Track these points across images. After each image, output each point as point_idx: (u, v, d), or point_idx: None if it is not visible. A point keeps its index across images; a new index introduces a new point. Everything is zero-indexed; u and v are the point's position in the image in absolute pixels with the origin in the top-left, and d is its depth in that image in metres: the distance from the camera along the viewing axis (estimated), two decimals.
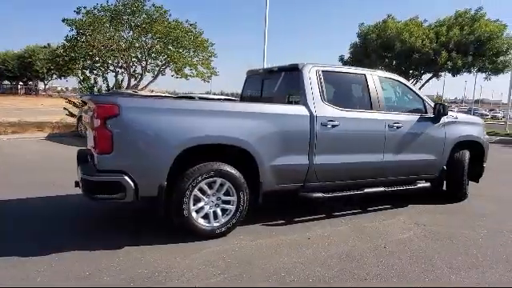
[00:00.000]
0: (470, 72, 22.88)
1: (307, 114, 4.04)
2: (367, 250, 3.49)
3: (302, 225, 4.19)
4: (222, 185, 3.65)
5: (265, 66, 21.24)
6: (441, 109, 4.94)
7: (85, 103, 4.05)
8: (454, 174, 5.26)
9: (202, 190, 3.57)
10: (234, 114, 3.69)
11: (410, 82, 26.31)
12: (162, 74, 17.88)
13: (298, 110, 4.04)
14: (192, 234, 3.56)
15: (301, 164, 4.03)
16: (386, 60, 23.42)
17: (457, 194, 5.37)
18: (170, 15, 16.41)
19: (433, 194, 5.43)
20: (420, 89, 24.80)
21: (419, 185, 5.02)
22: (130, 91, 12.17)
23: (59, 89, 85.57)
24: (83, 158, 4.09)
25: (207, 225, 3.61)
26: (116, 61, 15.78)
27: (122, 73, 17.11)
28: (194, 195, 3.52)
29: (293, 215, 4.42)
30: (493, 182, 6.45)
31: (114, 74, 16.76)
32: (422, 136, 4.89)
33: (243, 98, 5.54)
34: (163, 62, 17.20)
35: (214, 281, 2.82)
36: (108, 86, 15.51)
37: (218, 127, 3.57)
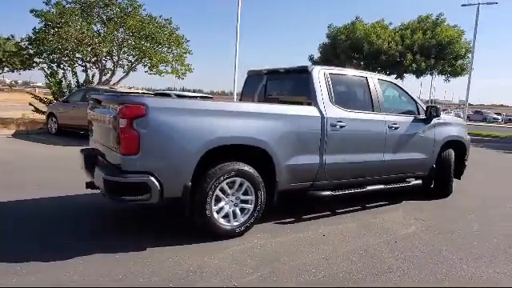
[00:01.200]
0: (432, 74, 24.19)
1: (318, 115, 4.17)
2: (381, 245, 3.68)
3: (311, 222, 4.32)
4: (241, 184, 3.70)
5: (235, 63, 21.41)
6: (433, 111, 5.27)
7: (98, 101, 3.92)
8: (441, 172, 5.63)
9: (222, 190, 3.60)
10: (254, 114, 3.75)
11: None
12: (134, 70, 17.44)
13: (311, 111, 4.17)
14: (213, 233, 3.58)
15: (313, 163, 4.17)
16: (355, 61, 24.17)
17: (443, 191, 5.76)
18: (145, 10, 16.04)
19: (421, 191, 5.76)
20: None
21: (413, 182, 5.33)
22: (106, 87, 11.76)
23: (8, 82, 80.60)
24: (91, 158, 3.98)
25: (227, 224, 3.65)
26: (86, 55, 15.14)
27: (91, 67, 16.50)
28: (216, 195, 3.55)
29: (299, 213, 4.53)
30: (467, 179, 6.94)
31: (82, 68, 16.12)
32: (416, 136, 5.20)
33: (244, 97, 5.59)
34: (136, 58, 16.73)
35: (249, 279, 2.87)
36: (78, 81, 14.90)
37: (242, 128, 3.62)
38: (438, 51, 22.67)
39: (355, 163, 4.57)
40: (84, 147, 4.54)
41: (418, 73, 23.50)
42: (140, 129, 3.12)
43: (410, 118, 5.19)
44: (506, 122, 47.43)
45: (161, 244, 3.44)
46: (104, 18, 15.26)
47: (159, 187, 3.22)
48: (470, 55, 23.00)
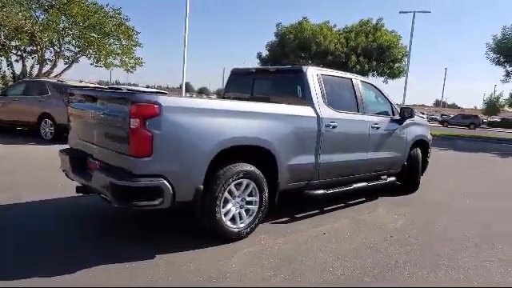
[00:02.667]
0: (373, 75, 25.74)
1: (315, 115, 4.25)
2: (380, 241, 3.86)
3: (306, 221, 4.38)
4: (247, 186, 3.64)
5: (184, 56, 20.91)
6: (407, 112, 5.62)
7: (90, 98, 3.57)
8: (411, 169, 6.04)
9: (230, 192, 3.52)
10: (259, 114, 3.70)
11: None
12: (76, 62, 16.20)
13: (308, 111, 4.22)
14: (221, 237, 3.49)
15: (310, 163, 4.23)
16: (303, 60, 24.89)
17: (412, 187, 6.19)
18: None
19: (390, 187, 6.11)
20: None
21: (389, 179, 5.66)
22: (54, 80, 10.78)
23: None
24: (80, 160, 3.66)
25: (235, 226, 3.58)
26: (24, 44, 13.74)
27: (26, 57, 15.00)
28: (225, 197, 3.46)
29: (291, 213, 4.55)
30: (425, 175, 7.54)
31: (16, 58, 14.60)
32: (392, 136, 5.52)
33: (227, 95, 5.48)
34: (80, 49, 15.56)
35: (275, 281, 2.85)
36: (13, 72, 13.51)
37: (250, 128, 3.56)
38: (379, 54, 24.23)
39: (344, 162, 4.73)
40: (64, 148, 4.15)
41: (362, 74, 24.87)
42: (153, 129, 2.92)
43: (388, 119, 5.49)
44: (441, 122, 47.83)
45: (168, 249, 3.27)
46: (45, 3, 13.93)
47: (171, 191, 3.05)
48: (406, 59, 24.89)
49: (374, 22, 26.05)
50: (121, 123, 3.04)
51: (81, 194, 3.83)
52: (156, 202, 3.01)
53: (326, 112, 4.39)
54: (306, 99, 4.34)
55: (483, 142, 20.55)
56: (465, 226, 4.59)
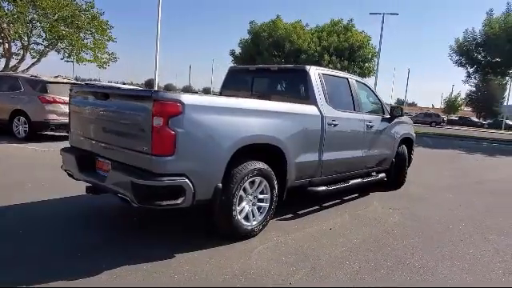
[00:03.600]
0: None
1: (319, 114, 4.35)
2: (384, 235, 4.04)
3: (309, 217, 4.49)
4: (259, 183, 3.69)
5: (157, 49, 20.55)
6: (396, 111, 5.87)
7: (99, 94, 3.46)
8: (398, 165, 6.31)
9: (244, 190, 3.55)
10: (272, 113, 3.75)
11: None
12: (44, 56, 15.45)
13: (313, 110, 4.32)
14: (236, 235, 3.51)
15: (315, 160, 4.34)
16: (277, 58, 25.12)
17: (399, 182, 6.47)
18: None
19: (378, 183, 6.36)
20: None
21: (379, 175, 5.88)
22: (28, 75, 10.24)
23: None
24: (88, 160, 3.56)
25: (248, 224, 3.61)
26: None
27: None
28: (240, 195, 3.48)
29: (292, 209, 4.63)
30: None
31: None
32: (384, 134, 5.75)
33: (224, 93, 5.47)
34: (50, 42, 14.87)
35: (299, 277, 2.92)
36: None
37: (265, 126, 3.61)
38: (350, 54, 24.91)
39: (342, 159, 4.88)
40: (65, 146, 4.00)
41: None
42: (176, 128, 2.90)
43: (380, 117, 5.71)
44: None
45: (184, 248, 3.26)
46: None
47: (193, 190, 3.05)
48: (376, 59, 25.73)
49: (345, 22, 26.73)
50: (141, 122, 2.99)
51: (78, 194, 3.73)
52: (178, 201, 2.99)
53: (328, 111, 4.51)
54: (309, 98, 4.43)
55: (447, 140, 21.67)
56: (455, 218, 4.88)
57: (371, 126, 5.36)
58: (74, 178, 3.82)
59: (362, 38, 25.27)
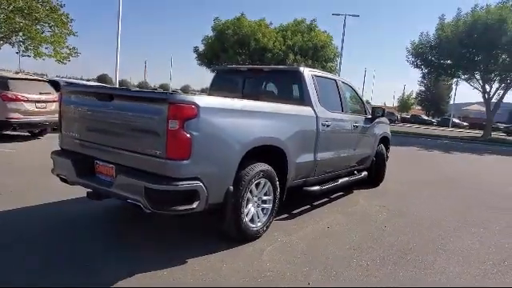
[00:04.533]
0: None
1: (314, 115, 4.44)
2: (379, 231, 4.21)
3: (305, 217, 4.57)
4: (264, 185, 3.70)
5: (117, 46, 19.85)
6: (378, 112, 6.10)
7: (102, 96, 3.28)
8: (378, 164, 6.58)
9: (251, 192, 3.54)
10: (275, 115, 3.78)
11: None
12: None
13: (309, 111, 4.39)
14: (243, 237, 3.50)
15: (310, 161, 4.42)
16: (243, 56, 25.11)
17: (379, 180, 6.75)
18: None
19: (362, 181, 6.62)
20: None
21: (363, 174, 6.10)
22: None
23: None
24: (86, 164, 3.38)
25: (253, 226, 3.61)
26: None
27: None
28: (247, 197, 3.48)
29: (285, 210, 4.64)
30: None
31: None
32: (366, 134, 5.97)
33: (212, 94, 5.40)
34: (3, 35, 13.82)
35: (315, 276, 2.98)
36: None
37: (273, 128, 3.63)
38: (314, 53, 25.44)
39: (333, 159, 5.01)
40: (55, 150, 3.76)
41: None
42: (191, 131, 2.84)
43: (363, 118, 5.91)
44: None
45: (193, 252, 3.21)
46: None
47: (206, 193, 3.00)
48: (338, 59, 26.51)
49: (308, 21, 27.25)
50: (154, 125, 2.88)
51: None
52: (194, 206, 2.93)
53: (322, 112, 4.60)
54: (304, 100, 4.49)
55: (404, 138, 22.81)
56: (437, 213, 5.18)
57: (356, 127, 5.55)
58: (68, 183, 3.61)
59: (324, 37, 25.92)
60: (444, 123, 49.85)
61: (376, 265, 3.29)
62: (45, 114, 8.82)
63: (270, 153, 3.76)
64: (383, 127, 6.78)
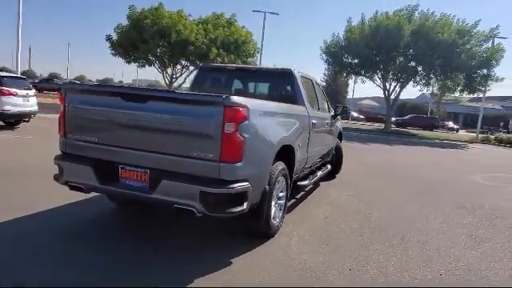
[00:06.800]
0: None
1: (307, 114, 4.74)
2: (368, 219, 4.72)
3: (298, 209, 4.89)
4: (281, 182, 3.88)
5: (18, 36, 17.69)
6: (339, 109, 6.67)
7: (137, 97, 3.04)
8: (337, 156, 7.21)
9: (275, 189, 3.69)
10: (291, 115, 3.99)
11: (183, 71, 28.22)
12: None
13: (304, 110, 4.67)
14: (268, 234, 3.66)
15: (305, 157, 4.73)
16: (164, 48, 24.16)
17: (337, 171, 7.38)
18: None
19: None
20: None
21: (328, 166, 6.64)
22: None
23: None
24: (109, 170, 3.16)
25: (274, 222, 3.77)
26: None
27: None
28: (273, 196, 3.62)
29: None
30: None
31: None
32: (332, 129, 6.51)
33: (195, 91, 5.32)
34: None
35: (349, 263, 3.29)
36: None
37: (290, 127, 3.82)
38: (236, 48, 25.72)
39: (315, 154, 5.39)
40: (59, 154, 3.38)
41: None
42: (244, 133, 2.89)
43: (330, 115, 6.42)
44: None
45: (229, 252, 3.27)
46: None
47: (252, 194, 3.08)
48: (258, 54, 27.28)
49: (227, 16, 27.37)
50: (206, 128, 2.84)
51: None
52: (244, 207, 2.99)
53: (310, 110, 4.93)
54: (297, 100, 4.74)
55: None
56: (398, 199, 5.98)
57: (327, 123, 6.02)
58: (81, 191, 3.30)
59: (245, 33, 26.38)
60: (344, 117, 54.75)
61: (388, 247, 3.75)
62: (28, 106, 10.62)
63: (284, 151, 3.95)
64: (339, 123, 7.42)
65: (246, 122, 2.91)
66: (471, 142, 23.95)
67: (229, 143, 2.82)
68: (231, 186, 2.86)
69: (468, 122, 52.70)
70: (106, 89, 3.40)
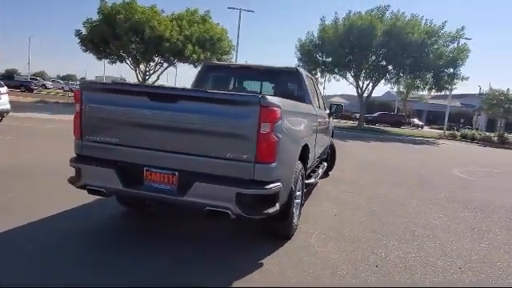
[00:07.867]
0: None
1: (315, 112, 4.78)
2: (373, 214, 4.85)
3: (304, 208, 4.89)
4: (299, 181, 3.88)
5: None
6: (333, 107, 6.76)
7: (164, 96, 2.93)
8: (332, 154, 7.32)
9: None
10: (307, 114, 3.99)
11: (157, 68, 27.59)
12: None
13: (312, 109, 4.70)
14: (290, 234, 3.67)
15: (313, 155, 4.77)
16: (138, 44, 23.52)
17: (331, 168, 7.50)
18: None
19: None
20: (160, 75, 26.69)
21: (324, 164, 6.73)
22: None
23: None
24: (133, 173, 3.04)
25: (294, 221, 3.77)
26: None
27: None
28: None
29: None
30: None
31: None
32: (328, 127, 6.59)
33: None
34: None
35: (373, 259, 3.36)
36: None
37: (306, 127, 3.84)
38: (211, 45, 25.49)
39: (317, 152, 5.45)
40: (74, 157, 3.20)
41: (198, 63, 25.51)
42: (278, 134, 2.87)
43: (327, 113, 6.50)
44: None
45: (259, 254, 3.25)
46: None
47: (282, 194, 3.07)
48: (233, 52, 27.16)
49: (202, 12, 27.06)
50: (241, 128, 2.79)
51: None
52: (277, 207, 2.97)
53: (317, 109, 4.98)
54: (305, 99, 4.75)
55: None
56: (392, 194, 6.17)
57: (326, 122, 6.10)
58: (101, 195, 3.15)
59: (220, 30, 26.18)
60: None
61: (400, 238, 3.87)
62: (2, 104, 10.37)
63: (301, 151, 3.96)
64: (332, 121, 7.53)
65: (280, 122, 2.89)
66: (439, 138, 25.13)
67: (264, 144, 2.79)
68: (267, 186, 2.83)
69: (431, 118, 55.23)
70: (131, 88, 3.25)
